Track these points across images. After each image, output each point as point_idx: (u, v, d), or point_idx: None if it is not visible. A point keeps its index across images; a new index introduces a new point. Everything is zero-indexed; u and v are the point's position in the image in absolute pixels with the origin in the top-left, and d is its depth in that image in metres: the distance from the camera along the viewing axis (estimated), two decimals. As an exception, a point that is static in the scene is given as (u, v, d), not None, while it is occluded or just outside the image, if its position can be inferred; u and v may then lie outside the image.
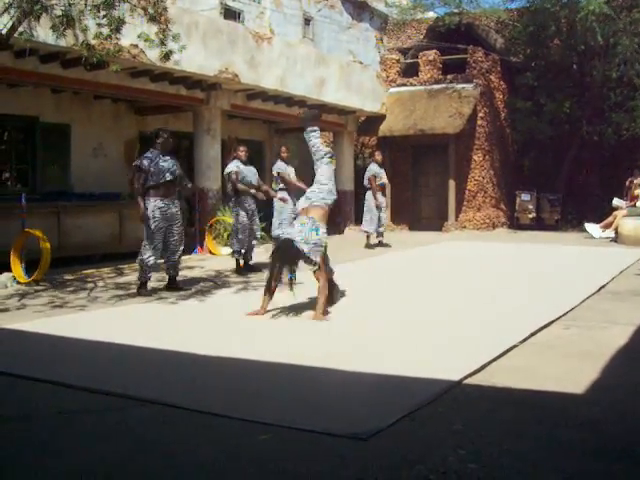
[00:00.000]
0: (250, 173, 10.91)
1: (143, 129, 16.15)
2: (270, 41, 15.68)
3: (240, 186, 10.68)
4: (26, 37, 8.68)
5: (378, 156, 15.53)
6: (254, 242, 11.20)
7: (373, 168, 15.19)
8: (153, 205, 8.81)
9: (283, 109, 17.62)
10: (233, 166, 10.88)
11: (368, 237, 15.25)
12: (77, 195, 13.98)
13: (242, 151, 11.01)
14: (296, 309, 7.67)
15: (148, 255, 8.84)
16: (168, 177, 8.93)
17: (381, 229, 15.28)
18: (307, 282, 7.56)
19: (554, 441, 3.69)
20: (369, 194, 15.12)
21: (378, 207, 14.96)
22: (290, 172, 12.45)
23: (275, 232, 11.93)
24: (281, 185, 12.35)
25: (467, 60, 20.65)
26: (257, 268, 11.09)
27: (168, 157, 9.05)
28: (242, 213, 10.88)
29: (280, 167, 12.43)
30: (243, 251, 11.00)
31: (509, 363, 5.31)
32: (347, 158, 20.55)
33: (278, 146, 15.45)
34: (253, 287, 9.31)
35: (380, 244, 15.31)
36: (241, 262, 11.11)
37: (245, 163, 10.89)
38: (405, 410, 4.12)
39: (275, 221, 12.48)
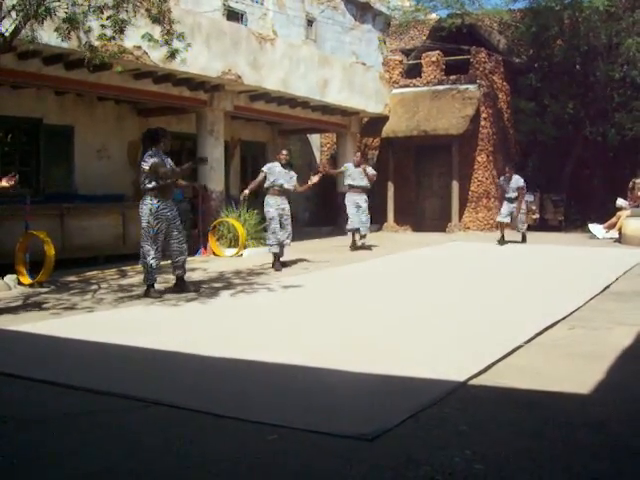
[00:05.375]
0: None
1: (146, 131, 16.14)
2: (273, 42, 15.67)
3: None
4: (28, 40, 8.66)
5: (356, 156, 15.40)
6: (287, 241, 11.79)
7: (347, 165, 15.21)
8: (156, 207, 8.79)
9: (286, 110, 17.62)
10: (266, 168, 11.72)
11: (354, 234, 14.93)
12: (81, 197, 14.00)
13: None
14: (295, 312, 7.69)
15: (151, 257, 8.82)
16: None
17: (362, 231, 14.92)
18: (307, 285, 7.59)
19: (561, 441, 3.68)
20: (347, 195, 14.97)
21: (357, 207, 14.76)
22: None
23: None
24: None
25: (470, 61, 20.64)
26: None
27: (168, 157, 9.07)
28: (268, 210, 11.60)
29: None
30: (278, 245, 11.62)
31: (514, 364, 5.30)
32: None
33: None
34: (254, 289, 9.30)
35: (362, 246, 14.97)
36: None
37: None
38: (410, 411, 4.11)
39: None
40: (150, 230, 8.82)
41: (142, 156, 9.19)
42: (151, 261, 8.82)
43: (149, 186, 8.81)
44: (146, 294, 8.85)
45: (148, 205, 8.82)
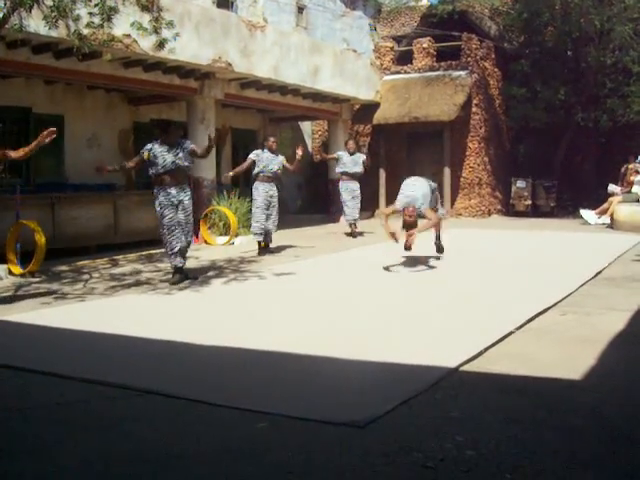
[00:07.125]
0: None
1: (137, 119, 16.09)
2: (263, 30, 15.58)
3: None
4: (17, 28, 8.58)
5: (349, 145, 15.36)
6: (271, 226, 12.05)
7: (340, 154, 15.25)
8: (163, 194, 8.82)
9: (277, 98, 17.54)
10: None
11: (351, 225, 15.05)
12: (71, 186, 13.93)
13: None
14: (291, 299, 7.68)
15: (172, 243, 8.79)
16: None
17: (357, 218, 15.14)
18: (298, 273, 7.55)
19: (552, 427, 3.68)
20: (341, 183, 15.10)
21: (353, 195, 14.90)
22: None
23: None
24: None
25: (461, 47, 20.57)
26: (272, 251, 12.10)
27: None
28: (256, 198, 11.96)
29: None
30: (262, 233, 11.92)
31: (506, 350, 5.30)
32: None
33: (272, 134, 15.45)
34: (246, 277, 9.28)
35: (357, 232, 15.12)
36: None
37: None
38: (402, 397, 4.12)
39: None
40: (162, 219, 8.81)
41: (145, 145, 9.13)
42: (175, 245, 8.78)
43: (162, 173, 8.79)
44: (175, 279, 8.82)
45: (161, 193, 8.81)
